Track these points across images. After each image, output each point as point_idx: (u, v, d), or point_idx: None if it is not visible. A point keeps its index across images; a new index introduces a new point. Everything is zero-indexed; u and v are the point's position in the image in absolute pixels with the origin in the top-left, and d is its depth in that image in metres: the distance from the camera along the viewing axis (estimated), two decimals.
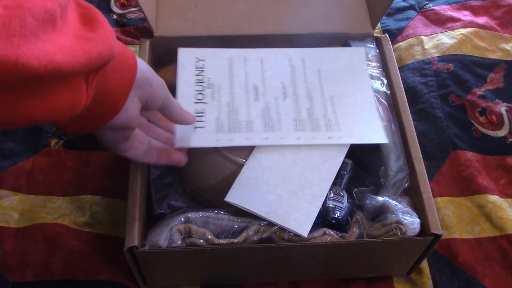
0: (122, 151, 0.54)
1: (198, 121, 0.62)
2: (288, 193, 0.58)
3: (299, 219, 0.56)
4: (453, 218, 0.69)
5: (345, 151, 0.63)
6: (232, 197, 0.57)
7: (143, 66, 0.47)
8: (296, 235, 0.55)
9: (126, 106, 0.46)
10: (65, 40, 0.34)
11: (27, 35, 0.30)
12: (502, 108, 0.80)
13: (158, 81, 0.50)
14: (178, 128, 0.60)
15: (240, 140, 0.61)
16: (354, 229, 0.58)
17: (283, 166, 0.60)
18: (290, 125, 0.63)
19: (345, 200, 0.60)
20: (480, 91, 0.82)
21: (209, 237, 0.55)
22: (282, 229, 0.56)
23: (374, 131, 0.63)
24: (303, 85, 0.67)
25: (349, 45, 0.74)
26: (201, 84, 0.65)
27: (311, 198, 0.58)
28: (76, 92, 0.38)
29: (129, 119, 0.48)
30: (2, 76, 0.30)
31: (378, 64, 0.71)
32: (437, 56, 0.85)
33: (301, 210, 0.57)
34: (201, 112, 0.63)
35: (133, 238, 0.53)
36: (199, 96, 0.64)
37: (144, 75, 0.47)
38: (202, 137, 0.61)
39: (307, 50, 0.71)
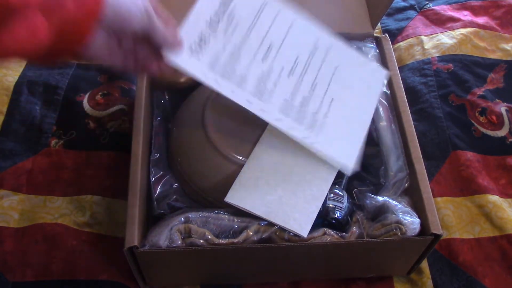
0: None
1: (196, 46, 0.55)
2: (288, 193, 0.58)
3: (299, 219, 0.56)
4: (453, 218, 0.69)
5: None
6: (232, 197, 0.57)
7: None
8: (296, 235, 0.55)
9: (91, 42, 0.43)
10: None
11: None
12: (502, 108, 0.80)
13: (135, 7, 0.45)
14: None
15: (225, 89, 0.56)
16: (354, 229, 0.58)
17: (283, 166, 0.60)
18: (278, 102, 0.60)
19: (345, 200, 0.60)
20: (480, 91, 0.82)
21: (209, 237, 0.55)
22: (282, 229, 0.56)
23: (348, 154, 0.60)
24: (314, 72, 0.63)
25: None
26: (222, 11, 0.58)
27: (311, 198, 0.58)
28: (31, 25, 0.36)
29: (98, 54, 0.45)
30: None
31: (378, 64, 0.71)
32: (437, 56, 0.85)
33: (301, 210, 0.57)
34: (204, 40, 0.56)
35: (133, 238, 0.53)
36: (213, 24, 0.57)
37: (115, 7, 0.43)
38: (192, 63, 0.55)
39: (338, 42, 0.67)
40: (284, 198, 0.58)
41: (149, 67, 0.52)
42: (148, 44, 0.50)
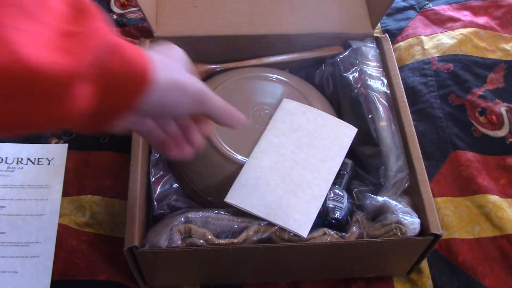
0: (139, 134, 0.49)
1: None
2: (288, 193, 0.58)
3: (299, 220, 0.56)
4: (453, 218, 0.69)
5: (345, 151, 0.63)
6: (232, 197, 0.57)
7: (163, 76, 0.38)
8: (296, 235, 0.55)
9: (129, 116, 0.40)
10: (41, 31, 0.28)
11: None
12: (502, 108, 0.80)
13: (184, 98, 0.41)
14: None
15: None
16: (354, 229, 0.58)
17: (283, 166, 0.60)
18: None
19: (345, 200, 0.60)
20: (480, 91, 0.82)
21: (209, 237, 0.55)
22: (282, 229, 0.56)
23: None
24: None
25: (349, 45, 0.74)
26: None
27: (311, 198, 0.58)
28: (74, 96, 0.32)
29: (130, 127, 0.43)
30: None
31: (378, 64, 0.71)
32: (437, 56, 0.85)
33: (301, 211, 0.57)
34: None
35: (133, 238, 0.53)
36: None
37: (161, 88, 0.38)
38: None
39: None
40: (284, 198, 0.58)
41: (187, 146, 0.48)
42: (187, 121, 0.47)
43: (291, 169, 0.60)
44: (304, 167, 0.60)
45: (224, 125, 0.47)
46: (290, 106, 0.66)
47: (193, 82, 0.42)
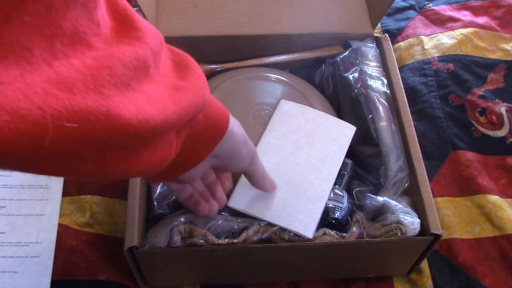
0: (172, 190, 0.53)
1: None
2: (290, 194, 0.58)
3: (303, 221, 0.56)
4: (453, 218, 0.69)
5: (345, 150, 0.63)
6: (235, 202, 0.57)
7: (236, 129, 0.43)
8: (297, 235, 0.55)
9: (199, 165, 0.43)
10: (156, 89, 0.31)
11: (117, 85, 0.27)
12: (502, 108, 0.80)
13: (245, 151, 0.46)
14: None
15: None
16: (354, 229, 0.58)
17: (284, 167, 0.60)
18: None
19: (345, 200, 0.60)
20: (480, 91, 0.82)
21: (209, 237, 0.55)
22: (282, 229, 0.56)
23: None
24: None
25: (349, 45, 0.74)
26: None
27: (314, 199, 0.58)
28: (167, 146, 0.35)
29: (192, 178, 0.45)
30: (94, 130, 0.26)
31: (378, 64, 0.71)
32: (437, 56, 0.85)
33: (304, 212, 0.57)
34: None
35: (133, 238, 0.53)
36: None
37: (233, 139, 0.43)
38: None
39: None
40: (287, 200, 0.58)
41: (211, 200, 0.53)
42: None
43: (292, 170, 0.60)
44: (305, 168, 0.60)
45: (257, 187, 0.54)
46: (288, 107, 0.66)
47: (250, 141, 0.47)
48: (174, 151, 0.36)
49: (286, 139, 0.63)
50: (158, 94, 0.31)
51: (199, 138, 0.40)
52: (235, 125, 0.44)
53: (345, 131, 0.65)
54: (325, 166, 0.61)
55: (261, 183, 0.54)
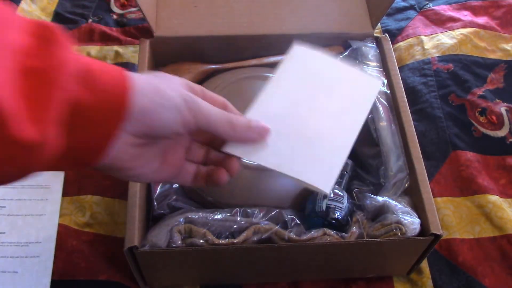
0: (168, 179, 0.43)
1: None
2: (303, 143, 0.46)
3: (318, 173, 0.44)
4: (453, 218, 0.69)
5: (370, 104, 0.52)
6: (232, 147, 0.43)
7: (144, 90, 0.34)
8: (316, 190, 0.44)
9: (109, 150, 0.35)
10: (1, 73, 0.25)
11: None
12: (502, 108, 0.80)
13: (180, 116, 0.36)
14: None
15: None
16: (354, 229, 0.58)
17: (296, 113, 0.48)
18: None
19: (345, 200, 0.60)
20: (480, 91, 0.82)
21: (209, 237, 0.55)
22: (282, 229, 0.56)
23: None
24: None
25: (349, 45, 0.74)
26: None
27: (333, 148, 0.46)
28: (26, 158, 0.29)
29: (117, 162, 0.37)
30: None
31: (378, 64, 0.72)
32: (437, 56, 0.85)
33: (320, 162, 0.45)
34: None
35: (133, 238, 0.53)
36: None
37: (144, 106, 0.34)
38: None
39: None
40: (299, 149, 0.45)
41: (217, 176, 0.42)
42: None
43: (306, 116, 0.48)
44: (322, 115, 0.48)
45: (236, 139, 0.42)
46: (302, 52, 0.54)
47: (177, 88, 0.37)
48: (54, 145, 0.30)
49: (300, 82, 0.51)
50: (6, 80, 0.25)
51: (91, 123, 0.32)
52: (144, 89, 0.34)
53: (370, 84, 0.54)
54: (347, 117, 0.49)
55: (243, 136, 0.42)
